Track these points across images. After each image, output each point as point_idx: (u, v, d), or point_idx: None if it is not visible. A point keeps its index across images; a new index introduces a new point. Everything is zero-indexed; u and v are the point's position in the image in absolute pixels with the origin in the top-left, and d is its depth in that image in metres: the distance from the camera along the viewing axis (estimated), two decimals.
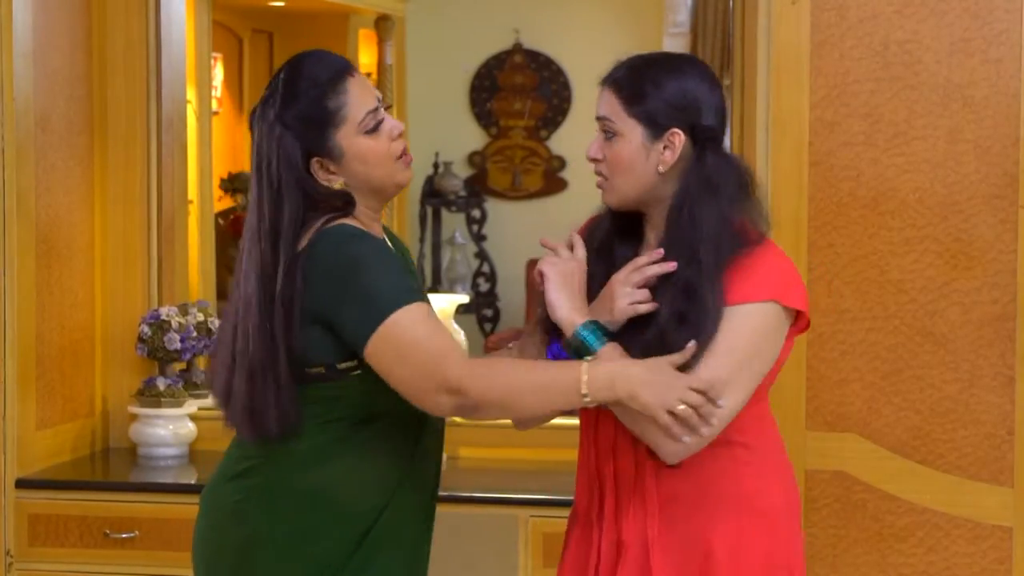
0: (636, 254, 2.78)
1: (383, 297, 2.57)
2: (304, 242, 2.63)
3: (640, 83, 2.72)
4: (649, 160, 2.71)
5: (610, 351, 2.63)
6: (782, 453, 2.82)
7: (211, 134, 6.26)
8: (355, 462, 2.66)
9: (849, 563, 3.86)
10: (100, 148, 4.61)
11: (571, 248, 2.76)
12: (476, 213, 8.67)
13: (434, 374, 2.54)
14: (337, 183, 2.69)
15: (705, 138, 2.70)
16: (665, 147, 2.70)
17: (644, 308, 2.67)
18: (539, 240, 2.81)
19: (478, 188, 8.74)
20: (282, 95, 2.67)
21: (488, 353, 7.46)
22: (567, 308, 2.68)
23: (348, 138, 2.68)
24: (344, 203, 2.69)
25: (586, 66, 8.40)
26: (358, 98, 2.69)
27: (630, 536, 2.71)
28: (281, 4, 7.54)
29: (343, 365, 2.64)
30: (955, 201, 3.80)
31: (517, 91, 8.73)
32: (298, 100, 2.66)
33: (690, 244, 2.66)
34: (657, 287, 2.67)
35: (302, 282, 2.61)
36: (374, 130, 2.70)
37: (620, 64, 2.78)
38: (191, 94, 5.59)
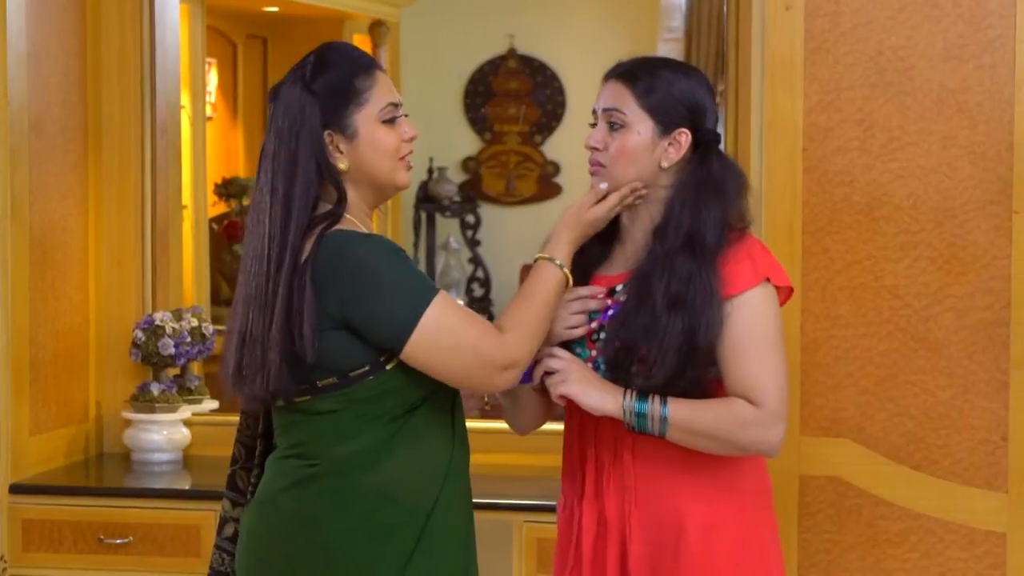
0: (608, 253, 2.90)
1: (410, 296, 2.63)
2: (306, 252, 2.66)
3: (653, 79, 2.83)
4: (654, 154, 2.82)
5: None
6: None
7: (205, 139, 6.25)
8: (409, 454, 2.69)
9: (843, 568, 3.86)
10: (94, 153, 4.61)
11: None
12: (470, 218, 8.67)
13: (487, 359, 2.64)
14: (342, 163, 2.72)
15: (709, 141, 2.84)
16: (671, 144, 2.82)
17: (578, 332, 2.82)
18: (541, 364, 2.86)
19: (472, 193, 8.74)
20: (313, 65, 2.73)
21: None
22: (608, 401, 2.76)
23: (366, 121, 2.73)
24: (338, 199, 2.72)
25: (580, 71, 8.46)
26: (383, 89, 2.75)
27: (611, 513, 2.83)
28: (275, 10, 7.54)
29: (383, 360, 2.67)
30: (949, 207, 3.80)
31: (511, 96, 8.72)
32: (328, 70, 2.72)
33: (688, 233, 2.77)
34: (649, 273, 2.78)
35: (312, 290, 2.63)
36: (391, 122, 2.75)
37: (626, 61, 2.88)
38: (185, 99, 5.59)
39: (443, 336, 2.63)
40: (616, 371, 2.78)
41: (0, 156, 4.14)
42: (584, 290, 2.83)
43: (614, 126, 2.82)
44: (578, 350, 2.84)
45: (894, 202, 3.82)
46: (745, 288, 2.75)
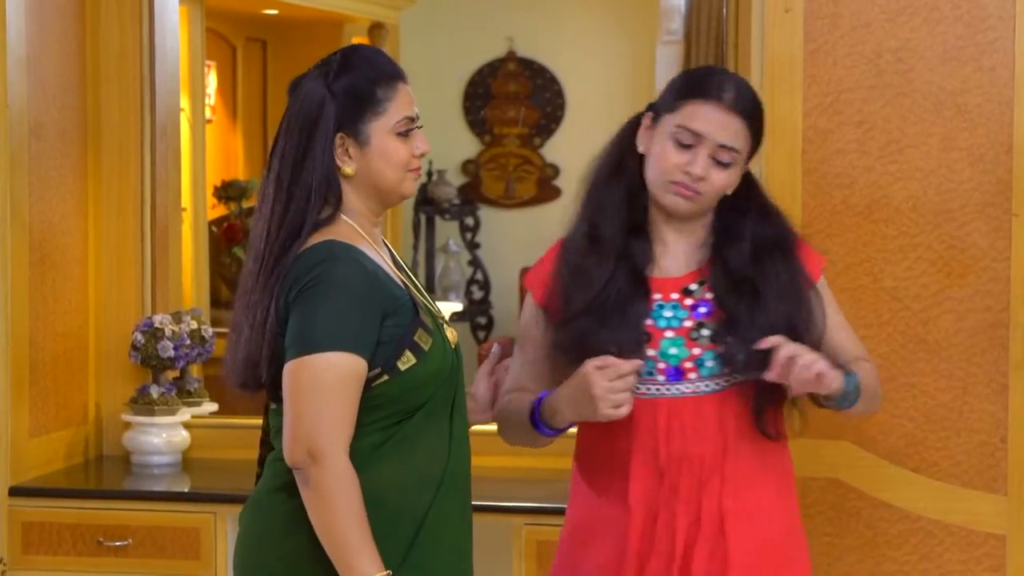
0: (652, 249, 2.91)
1: (327, 331, 2.59)
2: (292, 255, 2.66)
3: (762, 120, 2.92)
4: None
5: None
6: None
7: (205, 142, 6.26)
8: (399, 462, 2.67)
9: (843, 571, 3.86)
10: (94, 156, 4.62)
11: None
12: (470, 221, 8.67)
13: (312, 435, 2.57)
14: (349, 168, 2.71)
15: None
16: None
17: (624, 411, 2.75)
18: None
19: (472, 196, 8.74)
20: (338, 65, 2.72)
21: (481, 361, 7.38)
22: (840, 378, 2.84)
23: (380, 132, 2.73)
24: (336, 204, 2.71)
25: (580, 74, 8.46)
26: (403, 102, 2.76)
27: (707, 514, 2.85)
28: (275, 12, 7.54)
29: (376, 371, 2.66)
30: (948, 209, 3.80)
31: (511, 99, 8.72)
32: (351, 73, 2.72)
33: (775, 232, 2.93)
34: (743, 270, 2.87)
35: (281, 295, 2.65)
36: (404, 135, 2.75)
37: (744, 90, 2.90)
38: (184, 102, 5.59)
39: (310, 384, 2.58)
40: (730, 367, 2.84)
41: (0, 159, 4.15)
42: (626, 366, 2.76)
43: (725, 163, 2.85)
44: (672, 350, 2.85)
45: (893, 204, 3.82)
46: (815, 277, 2.97)
